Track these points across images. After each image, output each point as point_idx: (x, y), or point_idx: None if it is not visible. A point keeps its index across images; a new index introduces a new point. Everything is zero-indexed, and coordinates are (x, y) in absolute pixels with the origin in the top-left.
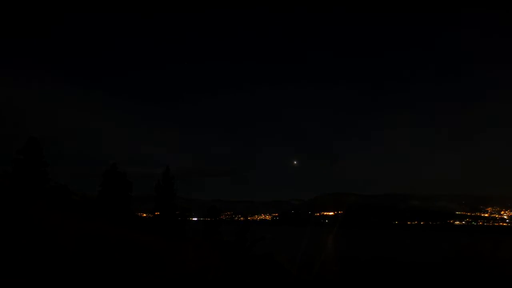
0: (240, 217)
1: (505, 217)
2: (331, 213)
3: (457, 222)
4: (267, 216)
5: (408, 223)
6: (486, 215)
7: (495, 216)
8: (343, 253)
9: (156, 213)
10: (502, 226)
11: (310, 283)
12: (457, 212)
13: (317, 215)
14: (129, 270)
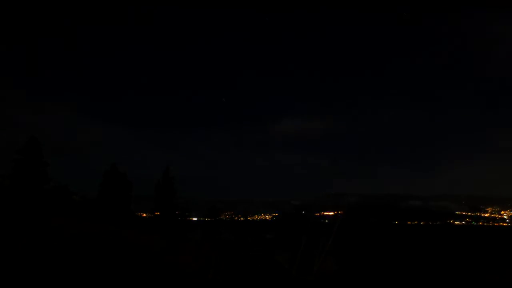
0: (240, 217)
1: (505, 217)
2: (331, 213)
3: (457, 222)
4: (267, 216)
5: (408, 223)
6: (486, 215)
7: (495, 216)
8: (342, 253)
9: (156, 213)
10: (502, 226)
11: (309, 282)
12: (457, 212)
13: (317, 215)
14: (129, 270)
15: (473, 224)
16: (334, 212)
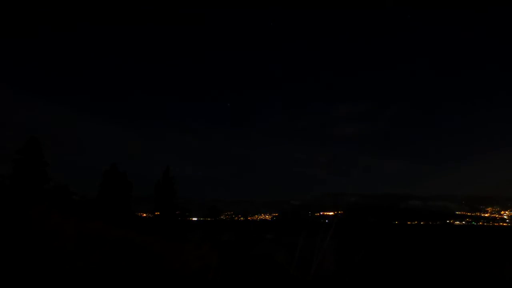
0: (240, 217)
1: (505, 217)
2: (331, 213)
3: (457, 222)
4: (267, 216)
5: (408, 223)
6: (486, 215)
7: (495, 216)
8: (341, 253)
9: (156, 213)
10: (502, 226)
11: (308, 282)
12: (457, 212)
13: (316, 215)
14: (129, 270)
15: (473, 224)
16: (333, 212)
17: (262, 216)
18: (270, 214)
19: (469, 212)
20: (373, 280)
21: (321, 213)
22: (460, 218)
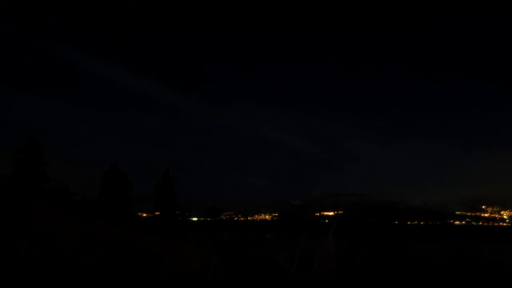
0: (240, 217)
1: (505, 217)
2: (331, 213)
3: (457, 222)
4: (267, 216)
5: (408, 223)
6: (486, 215)
7: (495, 216)
8: (341, 253)
9: (156, 213)
10: (502, 226)
11: (309, 282)
12: (457, 212)
13: (316, 215)
14: (129, 270)
15: (473, 224)
16: (333, 212)
17: (262, 216)
18: (270, 214)
19: (469, 212)
20: (374, 280)
21: (321, 213)
22: (460, 218)
